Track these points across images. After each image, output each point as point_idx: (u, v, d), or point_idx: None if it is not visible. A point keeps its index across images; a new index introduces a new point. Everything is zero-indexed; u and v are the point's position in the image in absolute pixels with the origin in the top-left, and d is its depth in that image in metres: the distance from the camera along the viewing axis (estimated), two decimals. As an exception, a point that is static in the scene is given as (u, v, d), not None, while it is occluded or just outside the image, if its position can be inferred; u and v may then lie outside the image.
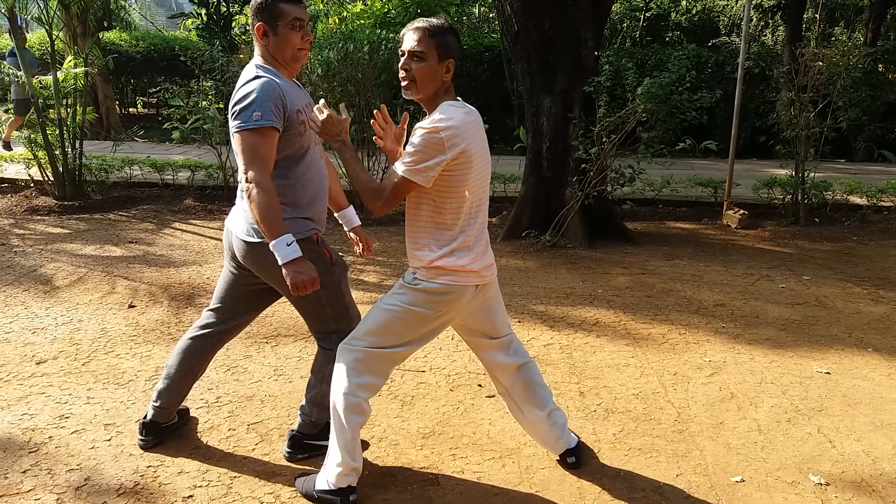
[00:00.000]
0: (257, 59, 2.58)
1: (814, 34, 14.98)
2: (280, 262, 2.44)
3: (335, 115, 2.44)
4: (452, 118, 2.31)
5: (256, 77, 2.48)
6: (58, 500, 2.62)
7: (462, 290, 2.47)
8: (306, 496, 2.66)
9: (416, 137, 2.31)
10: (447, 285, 2.44)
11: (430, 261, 2.43)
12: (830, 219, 7.43)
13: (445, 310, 2.51)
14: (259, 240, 2.56)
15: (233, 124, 2.47)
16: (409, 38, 2.35)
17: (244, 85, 2.48)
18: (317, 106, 2.47)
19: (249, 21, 2.62)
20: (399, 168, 2.34)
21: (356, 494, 2.60)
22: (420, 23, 2.37)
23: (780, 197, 7.47)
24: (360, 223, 3.10)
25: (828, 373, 3.80)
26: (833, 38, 14.73)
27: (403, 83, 2.39)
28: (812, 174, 7.24)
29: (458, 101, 2.43)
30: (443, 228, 2.43)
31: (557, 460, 2.91)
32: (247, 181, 2.44)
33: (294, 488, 2.71)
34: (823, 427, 3.24)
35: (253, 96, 2.43)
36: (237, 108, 2.46)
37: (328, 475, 2.58)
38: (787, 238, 6.77)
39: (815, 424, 3.26)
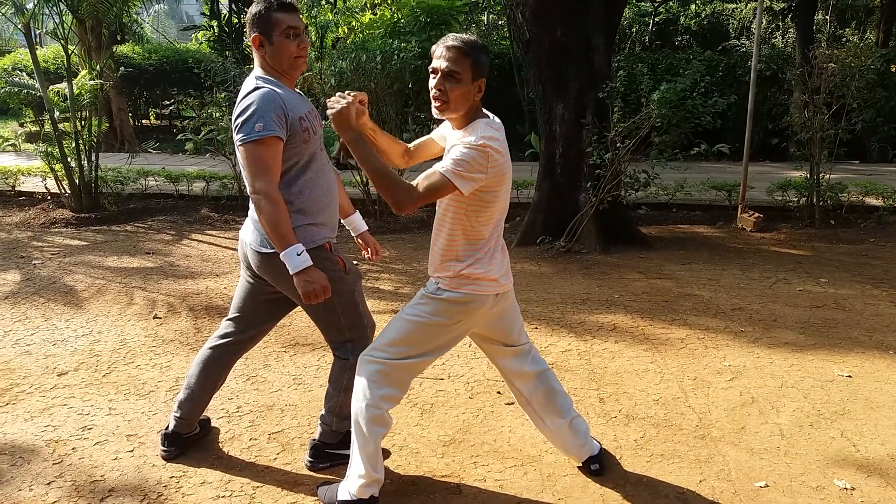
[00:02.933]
0: (257, 70, 2.60)
1: (824, 36, 14.92)
2: (291, 272, 2.46)
3: (355, 103, 2.34)
4: (497, 140, 2.29)
5: (256, 88, 2.50)
6: (83, 511, 2.64)
7: (483, 299, 2.48)
8: None
9: (461, 150, 2.25)
10: (469, 295, 2.45)
11: (458, 271, 2.44)
12: (846, 221, 7.38)
13: (465, 319, 2.52)
14: (272, 250, 2.57)
15: (236, 137, 2.49)
16: (444, 57, 2.28)
17: (244, 97, 2.50)
18: (337, 95, 2.37)
19: (247, 33, 2.63)
20: (443, 169, 2.26)
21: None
22: (454, 41, 2.29)
23: (795, 199, 7.43)
24: (366, 228, 3.11)
25: (849, 376, 3.77)
26: (844, 40, 14.66)
27: (436, 104, 2.33)
28: (827, 176, 7.20)
29: (489, 116, 2.42)
30: (474, 240, 2.43)
31: (579, 467, 2.91)
32: (254, 193, 2.46)
33: (317, 498, 2.72)
34: (847, 431, 3.21)
35: (254, 108, 2.44)
36: (239, 120, 2.47)
37: (350, 486, 2.58)
38: (803, 241, 6.73)
39: (839, 428, 3.24)
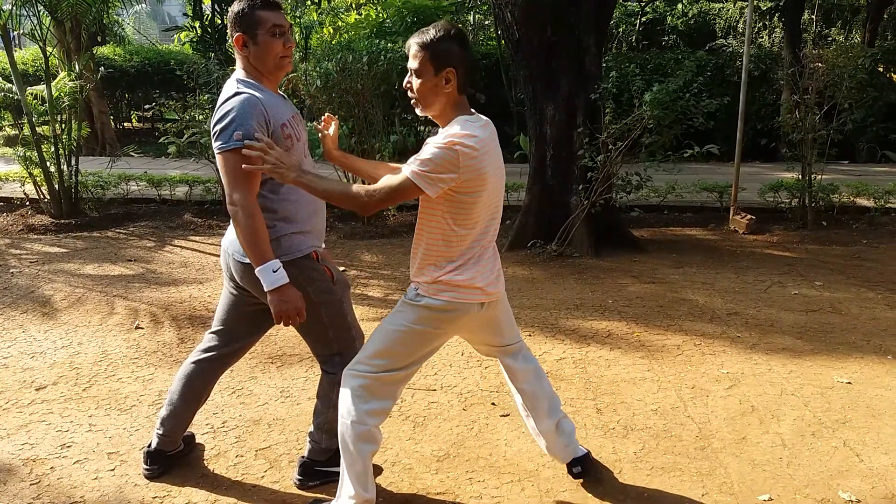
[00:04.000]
0: (239, 72, 2.49)
1: (811, 35, 14.96)
2: (266, 290, 2.36)
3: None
4: (469, 136, 2.20)
5: (237, 94, 2.38)
6: (60, 536, 2.51)
7: (466, 308, 2.39)
8: None
9: (429, 149, 2.20)
10: (450, 302, 2.36)
11: (436, 277, 2.35)
12: (838, 222, 7.35)
13: (447, 328, 2.45)
14: None
15: (215, 145, 2.38)
16: (409, 55, 2.29)
17: (224, 103, 2.38)
18: (262, 143, 2.30)
19: (229, 33, 2.51)
20: (407, 170, 2.21)
21: None
22: (414, 37, 2.29)
23: (787, 201, 7.39)
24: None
25: (849, 382, 3.70)
26: (830, 40, 14.71)
27: (412, 101, 2.33)
28: (818, 177, 7.16)
29: (473, 114, 2.34)
30: (453, 245, 2.33)
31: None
32: (231, 204, 2.35)
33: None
34: (849, 440, 3.14)
35: (233, 114, 2.33)
36: (218, 127, 2.36)
37: None
38: (795, 242, 6.69)
39: (841, 438, 3.16)
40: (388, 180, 2.27)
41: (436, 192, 2.20)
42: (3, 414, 3.38)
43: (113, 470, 2.92)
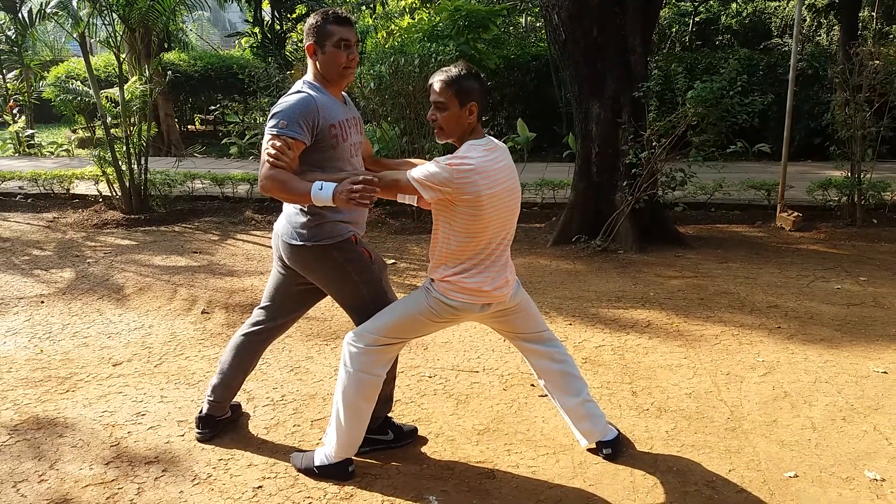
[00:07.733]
0: (308, 75, 2.80)
1: (870, 33, 14.63)
2: (332, 203, 2.49)
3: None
4: (468, 159, 2.50)
5: (298, 92, 2.70)
6: (138, 489, 2.81)
7: (471, 307, 2.70)
8: (305, 472, 2.90)
9: (432, 165, 2.51)
10: (457, 301, 2.66)
11: (446, 276, 2.65)
12: (889, 220, 7.27)
13: (452, 319, 2.78)
14: (301, 243, 2.76)
15: (266, 125, 2.69)
16: (432, 90, 2.57)
17: (286, 96, 2.70)
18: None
19: (304, 41, 2.82)
20: (410, 173, 2.53)
21: (353, 465, 2.88)
22: (439, 74, 2.57)
23: (836, 198, 7.34)
24: None
25: (885, 372, 3.77)
26: (892, 37, 14.36)
27: (435, 130, 2.63)
28: (869, 175, 7.10)
29: (484, 138, 2.63)
30: (461, 249, 2.62)
31: (589, 449, 3.05)
32: (260, 179, 2.64)
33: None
34: (880, 425, 3.23)
35: (286, 106, 2.64)
36: (272, 112, 2.68)
37: (328, 452, 2.85)
38: (843, 240, 6.67)
39: (871, 422, 3.25)
40: (392, 174, 2.65)
41: (431, 196, 2.52)
42: (85, 386, 3.73)
43: (183, 436, 3.22)
